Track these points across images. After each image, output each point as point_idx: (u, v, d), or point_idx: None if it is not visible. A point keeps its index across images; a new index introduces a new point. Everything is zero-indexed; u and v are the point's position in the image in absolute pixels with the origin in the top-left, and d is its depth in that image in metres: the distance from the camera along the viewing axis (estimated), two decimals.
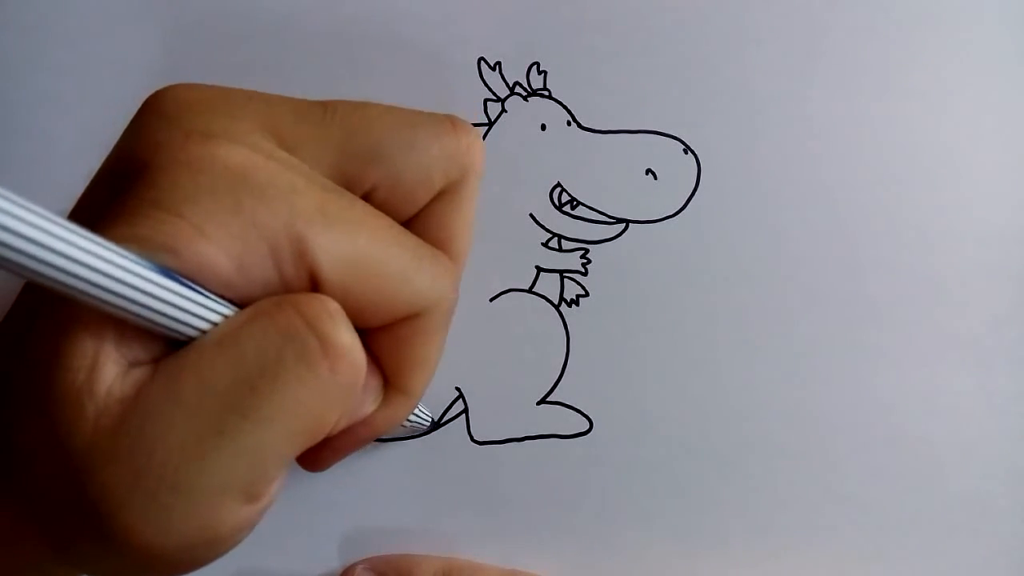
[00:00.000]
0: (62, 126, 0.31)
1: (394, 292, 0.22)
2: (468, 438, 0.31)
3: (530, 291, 0.32)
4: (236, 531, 0.21)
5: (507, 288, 0.32)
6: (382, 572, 0.30)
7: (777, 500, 0.31)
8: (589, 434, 0.31)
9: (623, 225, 0.32)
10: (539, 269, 0.32)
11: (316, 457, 0.24)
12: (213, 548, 0.21)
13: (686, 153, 0.32)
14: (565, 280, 0.32)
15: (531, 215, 0.32)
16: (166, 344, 0.20)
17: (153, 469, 0.19)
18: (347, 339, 0.20)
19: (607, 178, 0.32)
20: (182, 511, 0.20)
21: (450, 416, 0.32)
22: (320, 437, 0.21)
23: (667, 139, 0.32)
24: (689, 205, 0.32)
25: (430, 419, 0.31)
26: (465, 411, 0.32)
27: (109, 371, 0.19)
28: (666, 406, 0.31)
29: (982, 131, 0.32)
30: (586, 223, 0.32)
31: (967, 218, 0.31)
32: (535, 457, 0.31)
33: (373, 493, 0.31)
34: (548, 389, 0.31)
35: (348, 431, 0.23)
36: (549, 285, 0.32)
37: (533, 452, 0.31)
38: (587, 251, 0.32)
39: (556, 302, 0.32)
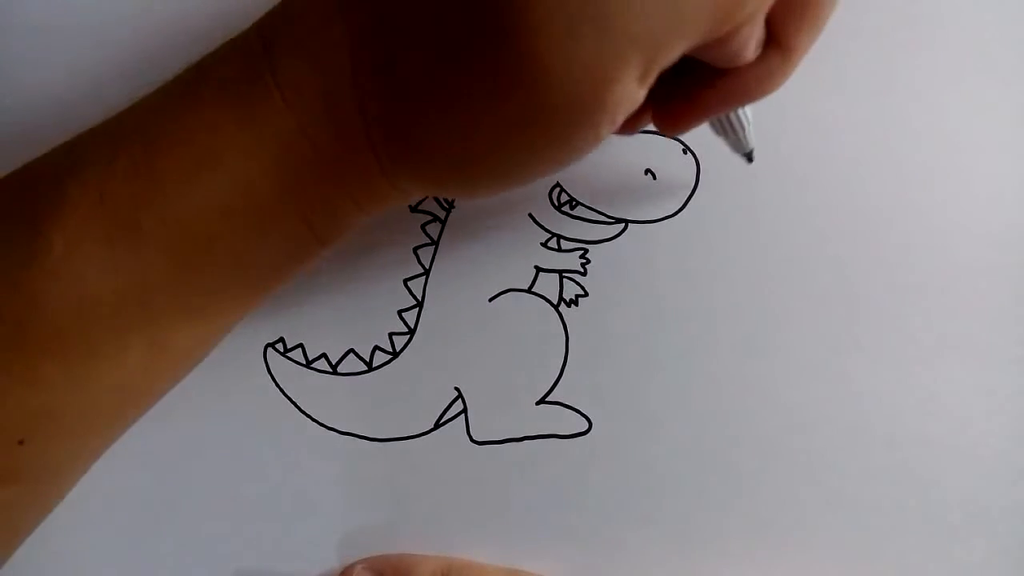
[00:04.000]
0: (62, 125, 0.31)
1: None
2: (467, 438, 0.31)
3: (529, 291, 0.32)
4: (615, 109, 0.21)
5: (506, 288, 0.32)
6: (381, 572, 0.30)
7: (777, 500, 0.31)
8: (588, 434, 0.31)
9: (622, 225, 0.32)
10: (538, 269, 0.32)
11: (680, 113, 0.23)
12: (589, 115, 0.21)
13: (685, 153, 0.32)
14: (564, 280, 0.32)
15: (530, 215, 0.32)
16: None
17: None
18: None
19: (606, 178, 0.32)
20: (592, 49, 0.20)
21: (449, 416, 0.32)
22: (731, 21, 0.21)
23: (666, 139, 0.32)
24: (688, 205, 0.32)
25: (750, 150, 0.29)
26: (464, 411, 0.32)
27: None
28: (665, 406, 0.31)
29: (982, 131, 0.32)
30: (585, 223, 0.32)
31: (967, 218, 0.31)
32: (534, 457, 0.31)
33: (373, 493, 0.31)
34: (547, 389, 0.31)
35: (718, 86, 0.23)
36: (548, 285, 0.32)
37: (532, 452, 0.31)
38: (586, 251, 0.32)
39: (555, 302, 0.32)
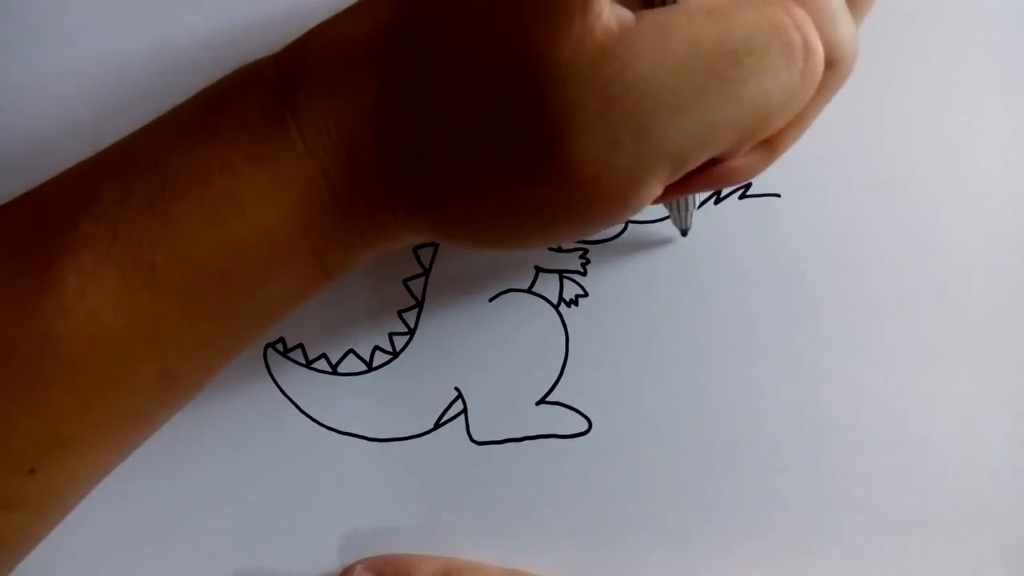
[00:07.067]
0: (62, 126, 0.31)
1: (822, 31, 0.22)
2: (467, 438, 0.31)
3: (529, 291, 0.32)
4: (639, 205, 0.22)
5: (506, 288, 0.32)
6: (381, 572, 0.30)
7: (777, 500, 0.31)
8: (588, 434, 0.31)
9: (622, 225, 0.32)
10: (538, 269, 0.32)
11: (667, 190, 0.24)
12: (616, 210, 0.22)
13: None
14: (564, 280, 0.32)
15: None
16: (639, 3, 0.21)
17: (626, 105, 0.20)
18: (821, 49, 0.21)
19: None
20: (628, 158, 0.20)
21: (449, 416, 0.32)
22: (754, 139, 0.22)
23: None
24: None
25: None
26: (464, 411, 0.32)
27: None
28: (665, 406, 0.31)
29: (982, 131, 0.32)
30: None
31: (967, 218, 0.31)
32: (534, 457, 0.31)
33: (373, 493, 0.31)
34: (547, 389, 0.31)
35: (708, 172, 0.24)
36: (548, 285, 0.32)
37: (532, 452, 0.31)
38: (586, 251, 0.32)
39: (555, 302, 0.32)
